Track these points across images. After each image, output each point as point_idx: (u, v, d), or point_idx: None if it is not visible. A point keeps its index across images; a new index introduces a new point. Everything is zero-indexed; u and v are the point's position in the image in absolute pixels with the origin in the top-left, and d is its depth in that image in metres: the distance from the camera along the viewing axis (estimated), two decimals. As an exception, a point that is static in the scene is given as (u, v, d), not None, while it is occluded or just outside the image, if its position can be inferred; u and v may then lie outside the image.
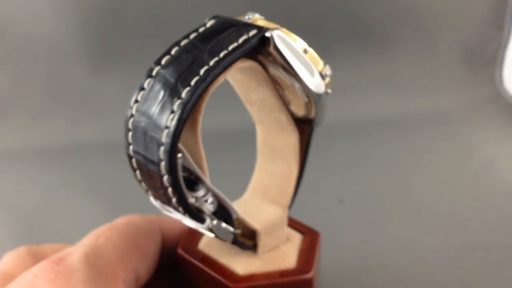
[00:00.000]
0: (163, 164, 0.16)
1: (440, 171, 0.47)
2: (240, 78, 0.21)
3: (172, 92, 0.16)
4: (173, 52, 0.17)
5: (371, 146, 0.52)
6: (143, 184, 0.18)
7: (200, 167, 0.18)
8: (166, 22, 0.57)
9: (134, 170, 0.18)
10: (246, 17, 0.19)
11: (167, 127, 0.16)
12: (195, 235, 0.24)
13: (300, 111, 0.22)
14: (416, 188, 0.45)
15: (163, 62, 0.17)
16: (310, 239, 0.24)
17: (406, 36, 0.61)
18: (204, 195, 0.18)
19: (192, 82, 0.16)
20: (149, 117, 0.16)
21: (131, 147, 0.17)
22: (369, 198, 0.43)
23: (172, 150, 0.16)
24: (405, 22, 0.60)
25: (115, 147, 0.51)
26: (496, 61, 0.61)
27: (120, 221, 0.22)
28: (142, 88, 0.17)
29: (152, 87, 0.16)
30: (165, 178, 0.16)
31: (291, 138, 0.23)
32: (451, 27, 0.60)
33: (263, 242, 0.23)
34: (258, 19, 0.19)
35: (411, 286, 0.34)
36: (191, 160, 0.17)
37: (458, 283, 0.34)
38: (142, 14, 0.57)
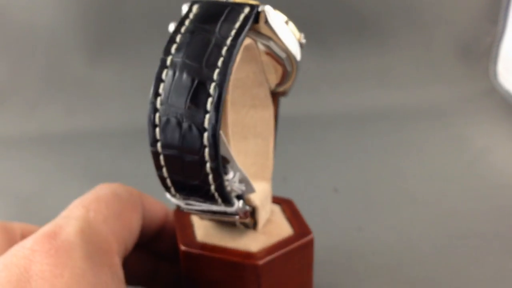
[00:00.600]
0: (207, 150, 0.16)
1: (434, 162, 0.48)
2: None
3: (202, 76, 0.16)
4: (178, 39, 0.16)
5: (365, 137, 0.53)
6: (168, 180, 0.18)
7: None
8: (162, 12, 0.57)
9: (160, 168, 0.17)
10: None
11: (206, 112, 0.15)
12: (186, 230, 0.24)
13: (273, 84, 0.22)
14: (410, 178, 0.45)
15: (172, 50, 0.16)
16: (289, 207, 0.25)
17: (401, 29, 0.61)
18: (233, 177, 0.18)
19: (219, 63, 0.16)
20: (181, 106, 0.16)
21: (159, 144, 0.17)
22: (364, 188, 0.44)
23: (218, 133, 0.15)
24: (400, 16, 0.60)
25: (111, 135, 0.55)
26: (491, 55, 0.61)
27: (105, 191, 0.22)
28: (161, 80, 0.16)
29: (174, 76, 0.16)
30: (208, 165, 0.16)
31: (268, 112, 0.23)
32: (446, 21, 0.61)
33: (261, 217, 0.23)
34: None
35: (404, 272, 0.34)
36: (226, 143, 0.17)
37: (450, 270, 0.34)
38: (140, 4, 0.57)
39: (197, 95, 0.16)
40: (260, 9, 0.17)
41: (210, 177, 0.17)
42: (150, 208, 0.24)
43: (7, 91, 0.59)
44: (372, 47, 0.61)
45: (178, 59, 0.16)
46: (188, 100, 0.16)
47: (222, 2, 0.18)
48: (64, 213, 0.21)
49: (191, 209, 0.20)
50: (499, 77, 0.61)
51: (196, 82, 0.16)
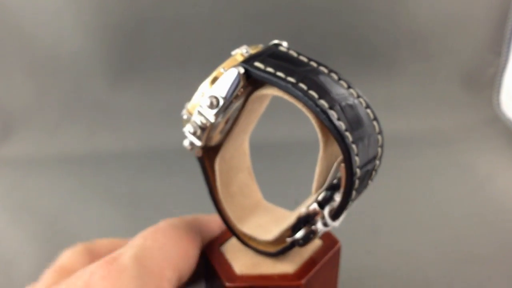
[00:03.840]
0: (380, 150, 0.19)
1: (439, 189, 0.48)
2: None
3: (347, 86, 0.19)
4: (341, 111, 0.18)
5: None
6: (354, 194, 0.19)
7: None
8: (182, 39, 0.59)
9: (355, 190, 0.19)
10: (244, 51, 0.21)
11: (371, 112, 0.19)
12: (224, 266, 0.24)
13: None
14: (416, 203, 0.46)
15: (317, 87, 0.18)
16: (326, 246, 0.25)
17: (407, 59, 0.62)
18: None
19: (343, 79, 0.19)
20: (364, 123, 0.19)
21: (358, 169, 0.18)
22: (371, 212, 0.45)
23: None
24: (407, 46, 0.61)
25: (131, 156, 0.56)
26: (494, 85, 0.62)
27: (163, 224, 0.24)
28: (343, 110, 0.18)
29: (349, 105, 0.18)
30: (378, 162, 0.20)
31: (246, 144, 0.26)
32: (451, 52, 0.62)
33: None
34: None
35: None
36: None
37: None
38: (160, 31, 0.59)
39: (361, 105, 0.19)
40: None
41: (373, 173, 0.20)
42: (208, 229, 0.26)
43: (32, 113, 0.60)
44: (379, 75, 0.62)
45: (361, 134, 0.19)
46: (365, 114, 0.19)
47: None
48: (128, 243, 0.22)
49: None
50: (502, 106, 0.61)
51: (356, 94, 0.19)
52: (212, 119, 0.20)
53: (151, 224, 0.24)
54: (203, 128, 0.20)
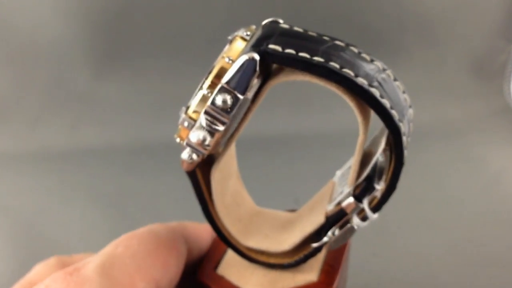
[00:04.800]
0: (412, 126, 0.19)
1: (450, 184, 0.47)
2: None
3: (370, 59, 0.18)
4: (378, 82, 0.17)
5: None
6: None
7: None
8: (172, 24, 0.57)
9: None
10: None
11: (401, 85, 0.18)
12: (214, 257, 0.24)
13: None
14: (425, 201, 0.45)
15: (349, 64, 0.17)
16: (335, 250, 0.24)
17: (414, 46, 0.61)
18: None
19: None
20: (399, 97, 0.18)
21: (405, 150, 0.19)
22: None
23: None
24: (414, 32, 0.60)
25: (117, 152, 0.55)
26: (505, 73, 0.61)
27: (142, 230, 0.22)
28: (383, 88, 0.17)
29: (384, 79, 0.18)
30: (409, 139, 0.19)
31: (233, 148, 0.23)
32: (460, 38, 0.61)
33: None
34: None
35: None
36: None
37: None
38: (148, 15, 0.57)
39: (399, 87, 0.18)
40: None
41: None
42: (196, 238, 0.24)
43: (8, 106, 0.59)
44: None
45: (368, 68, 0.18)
46: (400, 93, 0.18)
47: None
48: (100, 251, 0.20)
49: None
50: (513, 95, 0.60)
51: (392, 76, 0.18)
52: (227, 120, 0.17)
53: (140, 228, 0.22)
54: (213, 133, 0.18)
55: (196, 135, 0.18)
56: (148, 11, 0.57)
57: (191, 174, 0.20)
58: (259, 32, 0.18)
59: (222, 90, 0.17)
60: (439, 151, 0.52)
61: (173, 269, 0.21)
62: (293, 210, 0.26)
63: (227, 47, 0.18)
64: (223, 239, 0.23)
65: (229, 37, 0.19)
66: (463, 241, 0.39)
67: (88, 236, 0.42)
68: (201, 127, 0.17)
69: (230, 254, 0.24)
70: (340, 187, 0.23)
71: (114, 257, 0.19)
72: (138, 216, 0.44)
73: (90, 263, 0.19)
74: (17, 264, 0.40)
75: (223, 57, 0.17)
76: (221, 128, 0.17)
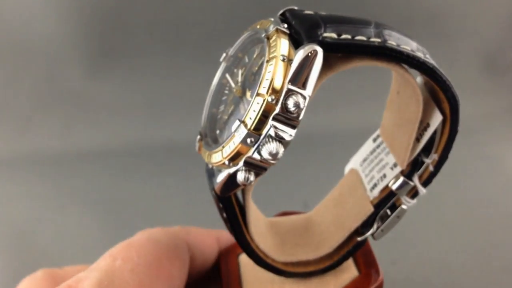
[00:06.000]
0: None
1: (467, 186, 0.45)
2: None
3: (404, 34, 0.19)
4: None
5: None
6: None
7: None
8: (169, 20, 0.56)
9: None
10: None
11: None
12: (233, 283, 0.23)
13: None
14: (442, 204, 0.43)
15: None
16: (361, 281, 0.23)
17: (422, 39, 0.58)
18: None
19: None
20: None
21: None
22: None
23: None
24: (422, 25, 0.59)
25: (113, 155, 0.53)
26: None
27: (140, 237, 0.20)
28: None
29: None
30: None
31: None
32: (470, 32, 0.59)
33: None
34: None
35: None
36: None
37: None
38: (141, 14, 0.56)
39: None
40: None
41: None
42: (200, 245, 0.23)
43: None
44: None
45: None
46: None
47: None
48: (93, 265, 0.19)
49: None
50: (526, 91, 0.59)
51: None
52: (298, 124, 0.16)
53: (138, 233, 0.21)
54: (286, 143, 0.16)
55: (268, 149, 0.16)
56: (143, 7, 0.55)
57: (227, 200, 0.19)
58: (296, 23, 0.17)
59: (291, 92, 0.15)
60: (452, 151, 0.50)
61: (177, 281, 0.20)
62: (289, 213, 0.26)
63: (263, 46, 0.17)
64: (258, 261, 0.21)
65: (259, 32, 0.17)
66: (489, 246, 0.38)
67: (84, 245, 0.41)
68: (272, 138, 0.16)
69: (247, 270, 0.23)
70: (369, 172, 0.22)
71: (113, 272, 0.18)
72: (136, 223, 0.42)
73: (87, 280, 0.17)
74: (8, 277, 0.38)
75: (272, 58, 0.16)
76: (293, 133, 0.16)
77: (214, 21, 0.55)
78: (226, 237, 0.25)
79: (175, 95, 0.55)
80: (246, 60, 0.19)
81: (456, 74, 0.58)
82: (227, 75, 0.20)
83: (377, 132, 0.23)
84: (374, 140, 0.23)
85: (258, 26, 0.18)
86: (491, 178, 0.46)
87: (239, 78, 0.19)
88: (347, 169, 0.25)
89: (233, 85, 0.19)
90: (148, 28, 0.56)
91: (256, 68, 0.18)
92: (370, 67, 0.57)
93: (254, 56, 0.19)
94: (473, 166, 0.48)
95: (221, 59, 0.20)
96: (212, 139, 0.19)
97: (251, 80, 0.18)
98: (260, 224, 0.22)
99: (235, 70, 0.20)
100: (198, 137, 0.20)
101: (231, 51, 0.20)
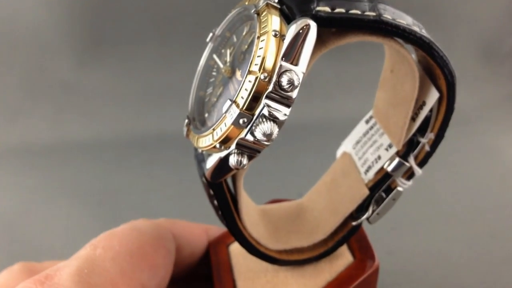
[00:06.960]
0: None
1: (465, 175, 0.45)
2: None
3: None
4: None
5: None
6: None
7: None
8: (161, 7, 0.55)
9: None
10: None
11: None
12: (225, 276, 0.23)
13: None
14: (440, 193, 0.43)
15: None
16: (356, 267, 0.23)
17: None
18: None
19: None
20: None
21: None
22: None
23: None
24: (418, 15, 0.57)
25: (103, 146, 0.52)
26: None
27: (123, 227, 0.20)
28: None
29: None
30: None
31: None
32: (467, 20, 0.59)
33: None
34: None
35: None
36: None
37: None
38: (133, 3, 0.55)
39: None
40: None
41: None
42: (187, 235, 0.23)
43: None
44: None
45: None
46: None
47: None
48: (74, 255, 0.19)
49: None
50: (524, 80, 0.58)
51: None
52: (292, 102, 0.15)
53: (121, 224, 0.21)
54: (280, 122, 0.15)
55: (261, 130, 0.15)
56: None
57: (218, 186, 0.19)
58: None
59: (284, 69, 0.15)
60: (451, 139, 0.50)
61: (161, 270, 0.20)
62: (279, 200, 0.25)
63: (254, 22, 0.16)
64: (252, 250, 0.21)
65: (247, 9, 0.16)
66: (486, 237, 0.38)
67: (75, 238, 0.40)
68: (265, 118, 0.15)
69: (237, 260, 0.23)
70: (362, 155, 0.22)
71: (93, 260, 0.17)
72: (127, 214, 0.42)
73: (65, 269, 0.17)
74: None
75: (263, 33, 0.15)
76: (288, 111, 0.15)
77: (206, 9, 0.54)
78: (214, 230, 0.24)
79: (166, 85, 0.55)
80: (235, 39, 0.18)
81: (454, 62, 0.58)
82: (215, 56, 0.19)
83: (370, 113, 0.23)
84: (367, 121, 0.23)
85: (246, 3, 0.17)
86: (489, 168, 0.46)
87: (228, 58, 0.18)
88: (338, 153, 0.24)
89: (221, 65, 0.18)
90: (139, 17, 0.56)
91: (246, 47, 0.17)
92: (366, 54, 0.57)
93: (244, 34, 0.18)
94: (471, 156, 0.48)
95: (208, 39, 0.19)
96: (201, 122, 0.18)
97: (240, 59, 0.17)
98: (252, 212, 0.22)
99: (223, 51, 0.19)
100: (186, 121, 0.19)
101: (218, 30, 0.19)
